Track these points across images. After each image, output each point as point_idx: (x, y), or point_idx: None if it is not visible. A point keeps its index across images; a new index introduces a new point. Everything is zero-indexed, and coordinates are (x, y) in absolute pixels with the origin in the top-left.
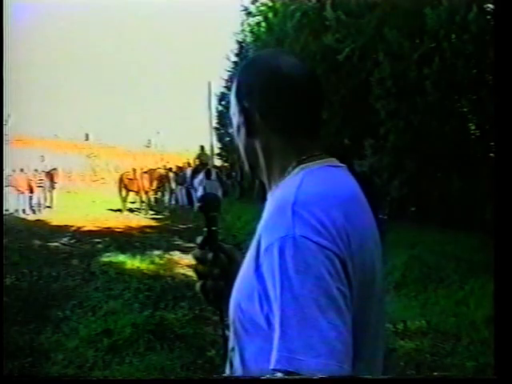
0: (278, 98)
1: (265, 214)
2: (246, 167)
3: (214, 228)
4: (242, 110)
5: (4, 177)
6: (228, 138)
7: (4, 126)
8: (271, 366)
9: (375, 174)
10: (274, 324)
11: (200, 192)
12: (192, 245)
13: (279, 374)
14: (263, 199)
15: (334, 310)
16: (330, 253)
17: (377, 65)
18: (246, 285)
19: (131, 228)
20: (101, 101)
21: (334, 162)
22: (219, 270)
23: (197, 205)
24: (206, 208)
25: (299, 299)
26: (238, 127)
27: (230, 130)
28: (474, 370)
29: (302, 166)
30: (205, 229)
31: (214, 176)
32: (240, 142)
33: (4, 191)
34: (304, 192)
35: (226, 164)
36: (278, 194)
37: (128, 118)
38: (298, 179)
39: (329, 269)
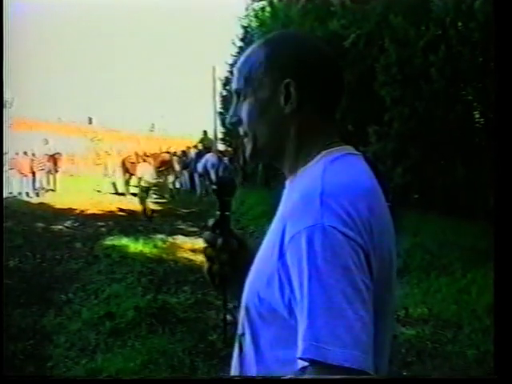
0: (322, 74)
1: (287, 202)
2: (261, 151)
3: (227, 213)
4: (276, 84)
5: (7, 160)
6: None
7: (8, 109)
8: (298, 355)
9: (379, 161)
10: (295, 312)
11: (213, 175)
12: (195, 229)
13: (304, 363)
14: (266, 184)
15: (360, 301)
16: (356, 244)
17: (382, 51)
18: (265, 272)
19: (134, 211)
20: (105, 85)
21: (352, 149)
22: (227, 256)
23: (212, 187)
24: (221, 192)
25: (327, 289)
26: (261, 104)
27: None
28: (474, 357)
29: (322, 152)
30: (217, 212)
31: (227, 160)
32: (261, 121)
33: (6, 174)
34: (330, 182)
35: (229, 149)
36: (303, 182)
37: (132, 102)
38: (321, 167)
39: (354, 260)
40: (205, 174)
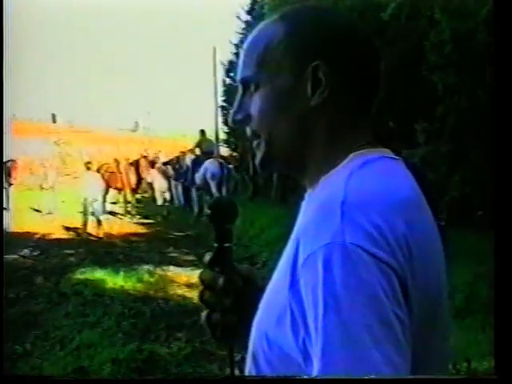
0: (356, 56)
1: (302, 217)
2: (277, 157)
3: (226, 244)
4: (301, 68)
5: None
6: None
7: None
8: None
9: (429, 168)
10: (311, 356)
11: (214, 188)
12: (191, 258)
13: None
14: (282, 200)
15: (390, 341)
16: (388, 267)
17: (432, 25)
18: (275, 307)
19: (112, 236)
20: (72, 73)
21: (389, 152)
22: (231, 300)
23: (206, 212)
24: (218, 217)
25: (347, 324)
26: (280, 95)
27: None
28: None
29: (351, 155)
30: (215, 244)
31: (232, 169)
32: (279, 118)
33: None
34: (356, 189)
35: (234, 154)
36: (322, 192)
37: (109, 95)
38: (346, 173)
39: (385, 287)
40: (203, 186)
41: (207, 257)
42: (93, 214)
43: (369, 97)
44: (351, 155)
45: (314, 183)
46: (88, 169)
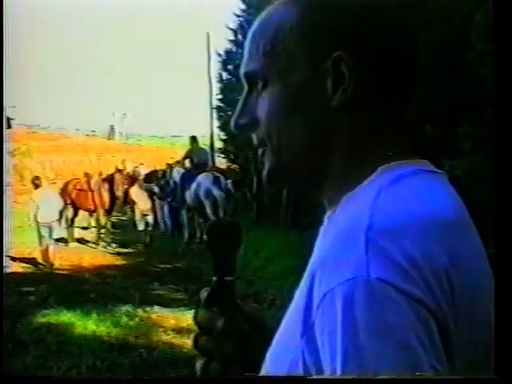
0: (388, 45)
1: (319, 246)
2: (288, 170)
3: (228, 278)
4: (319, 60)
5: None
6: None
7: None
8: None
9: (477, 182)
10: None
11: (209, 208)
12: (180, 296)
13: None
14: (294, 224)
15: None
16: (423, 308)
17: (480, 2)
18: (285, 356)
19: (83, 268)
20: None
21: (427, 164)
22: (234, 346)
23: (203, 237)
24: (218, 244)
25: (371, 376)
26: (294, 94)
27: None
28: None
29: (380, 168)
30: (213, 278)
31: (231, 184)
32: (292, 121)
33: None
34: (384, 211)
35: (233, 166)
36: (344, 214)
37: (77, 93)
38: (373, 191)
39: (420, 333)
40: (196, 207)
41: (204, 293)
42: (57, 241)
43: (403, 95)
44: (380, 168)
45: (335, 202)
46: (36, 186)
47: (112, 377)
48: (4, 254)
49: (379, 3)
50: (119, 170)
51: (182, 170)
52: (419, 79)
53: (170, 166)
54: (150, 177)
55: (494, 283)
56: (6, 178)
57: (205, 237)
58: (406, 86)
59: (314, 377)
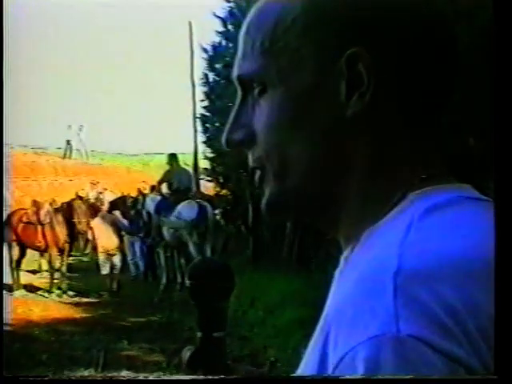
0: (417, 40)
1: (335, 294)
2: (292, 196)
3: (216, 334)
4: (329, 59)
5: None
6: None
7: None
8: None
9: None
10: None
11: (192, 246)
12: (156, 357)
13: None
14: (301, 264)
15: None
16: (467, 370)
17: None
18: None
19: (31, 323)
20: None
21: (469, 189)
22: None
23: (186, 283)
24: (204, 291)
25: None
26: (299, 101)
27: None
28: None
29: (410, 195)
30: (198, 334)
31: (220, 215)
32: (298, 136)
33: None
34: (418, 248)
35: (222, 191)
36: (368, 254)
37: (24, 98)
38: (403, 224)
39: None
40: (176, 243)
41: (186, 353)
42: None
43: (437, 102)
44: (411, 195)
45: (353, 239)
46: None
47: (112, 377)
48: None
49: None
50: (79, 197)
51: (157, 198)
52: (458, 82)
53: (143, 193)
54: (117, 206)
55: (494, 282)
56: None
57: (187, 282)
58: (442, 91)
59: (314, 377)
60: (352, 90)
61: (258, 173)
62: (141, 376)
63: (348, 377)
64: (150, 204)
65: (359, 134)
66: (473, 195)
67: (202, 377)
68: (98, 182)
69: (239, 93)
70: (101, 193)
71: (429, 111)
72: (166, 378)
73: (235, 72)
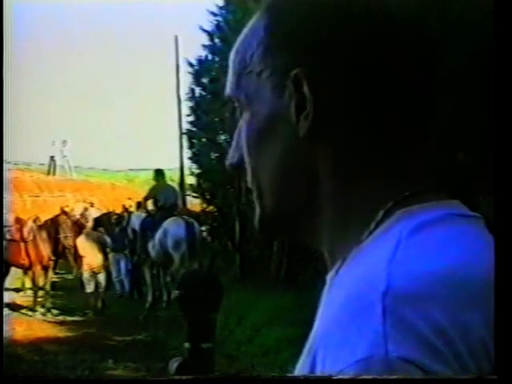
0: (380, 65)
1: (322, 314)
2: (274, 217)
3: (205, 345)
4: (282, 80)
5: None
6: (214, 154)
7: None
8: None
9: None
10: None
11: (178, 263)
12: (141, 376)
13: None
14: (289, 282)
15: None
16: None
17: None
18: None
19: (15, 342)
20: None
21: (458, 205)
22: None
23: (174, 293)
24: (193, 301)
25: None
26: (261, 125)
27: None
28: None
29: (397, 213)
30: (186, 345)
31: (206, 233)
32: (264, 158)
33: None
34: (405, 268)
35: (209, 207)
36: (353, 273)
37: (6, 115)
38: (391, 243)
39: None
40: (162, 261)
41: (174, 364)
42: None
43: (412, 116)
44: (398, 213)
45: (339, 256)
46: None
47: (112, 377)
48: None
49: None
50: (64, 213)
51: (142, 215)
52: (440, 95)
53: (128, 209)
54: (102, 223)
55: (494, 282)
56: None
57: (175, 292)
58: (412, 106)
59: (314, 377)
60: (299, 111)
61: (254, 194)
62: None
63: (345, 377)
64: (136, 221)
65: (318, 155)
66: (461, 211)
67: (201, 377)
68: (85, 200)
69: (237, 113)
70: (86, 209)
71: (405, 126)
72: (165, 378)
73: (227, 90)
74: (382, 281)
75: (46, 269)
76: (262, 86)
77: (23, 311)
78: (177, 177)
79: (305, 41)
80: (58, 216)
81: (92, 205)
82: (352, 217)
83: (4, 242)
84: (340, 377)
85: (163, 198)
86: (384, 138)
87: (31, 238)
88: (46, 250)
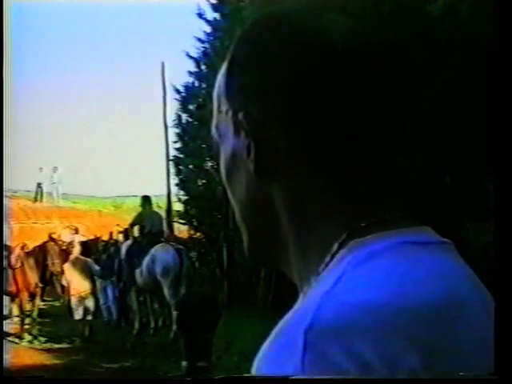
0: (327, 99)
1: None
2: (258, 245)
3: (201, 364)
4: (242, 124)
5: None
6: (201, 180)
7: None
8: None
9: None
10: None
11: (167, 290)
12: None
13: None
14: (275, 307)
15: None
16: None
17: None
18: None
19: (1, 370)
20: None
21: (425, 232)
22: None
23: (173, 313)
24: (191, 321)
25: None
26: (228, 161)
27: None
28: None
29: (350, 244)
30: (184, 363)
31: (195, 259)
32: (234, 188)
33: None
34: (337, 301)
35: (197, 234)
36: (300, 305)
37: None
38: (337, 272)
39: None
40: (150, 287)
41: None
42: None
43: (375, 149)
44: (350, 243)
45: (303, 287)
46: None
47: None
48: None
49: (339, 57)
50: (52, 239)
51: (129, 242)
52: (408, 124)
53: (116, 234)
54: (89, 250)
55: (494, 282)
56: None
57: (175, 313)
58: (389, 139)
59: (314, 377)
60: (248, 151)
61: None
62: None
63: (342, 377)
64: (122, 248)
65: (273, 190)
66: (419, 239)
67: (202, 377)
68: (72, 226)
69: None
70: (73, 236)
71: (364, 162)
72: (165, 378)
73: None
74: (309, 315)
75: (33, 296)
76: (228, 124)
77: (10, 338)
78: (164, 203)
79: (254, 84)
80: (45, 243)
81: (77, 231)
82: (311, 250)
83: None
84: (340, 377)
85: (149, 225)
86: (340, 175)
87: (19, 265)
88: (33, 277)
